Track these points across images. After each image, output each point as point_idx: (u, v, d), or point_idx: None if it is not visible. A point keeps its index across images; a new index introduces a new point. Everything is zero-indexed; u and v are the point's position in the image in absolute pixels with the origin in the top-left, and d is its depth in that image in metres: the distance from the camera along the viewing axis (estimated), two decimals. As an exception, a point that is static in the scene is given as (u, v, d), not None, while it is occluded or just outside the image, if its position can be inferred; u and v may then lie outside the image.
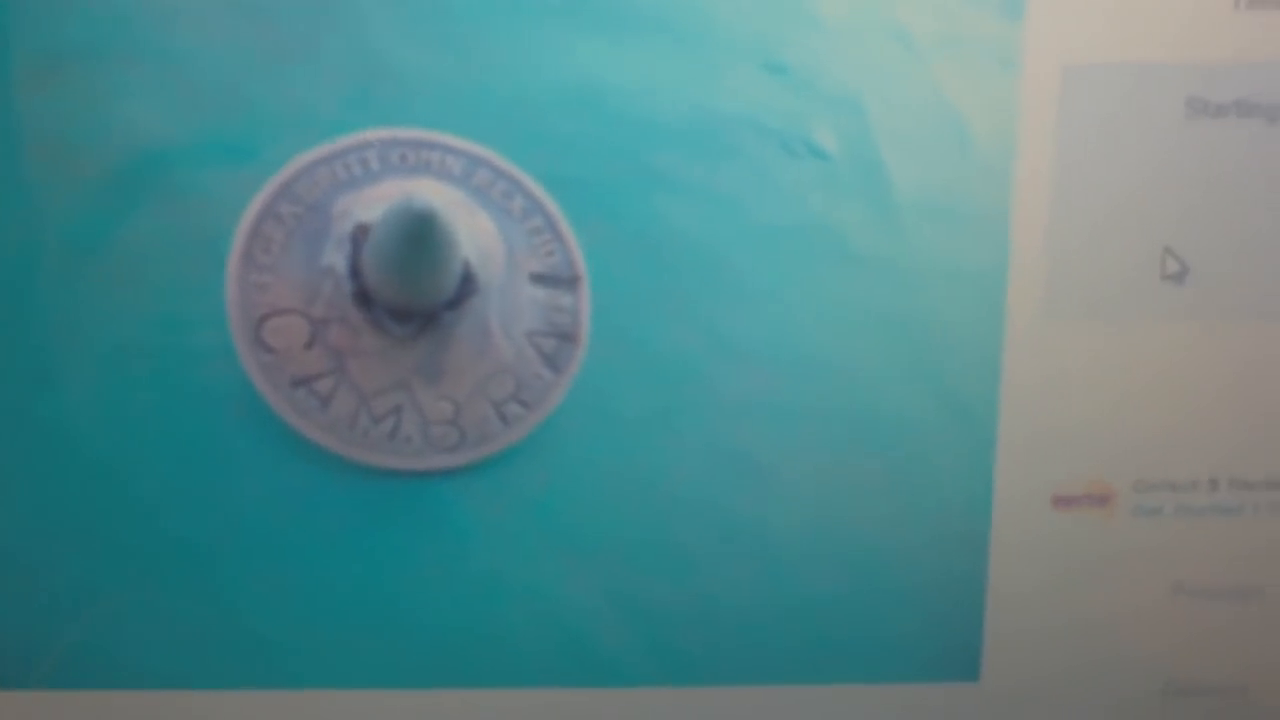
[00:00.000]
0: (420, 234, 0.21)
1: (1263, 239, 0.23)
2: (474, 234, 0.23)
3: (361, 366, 0.23)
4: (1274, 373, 0.24)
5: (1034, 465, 0.24)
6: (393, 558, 0.24)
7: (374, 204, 0.23)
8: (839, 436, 0.24)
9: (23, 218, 0.23)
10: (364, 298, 0.23)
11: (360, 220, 0.23)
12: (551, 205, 0.23)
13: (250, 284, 0.23)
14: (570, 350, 0.23)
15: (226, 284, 0.23)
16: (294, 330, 0.23)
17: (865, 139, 0.23)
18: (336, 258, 0.23)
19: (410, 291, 0.22)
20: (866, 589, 0.25)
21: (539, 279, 0.23)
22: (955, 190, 0.23)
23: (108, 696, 0.25)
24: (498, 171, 0.23)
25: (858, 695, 0.25)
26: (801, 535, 0.24)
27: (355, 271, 0.23)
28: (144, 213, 0.23)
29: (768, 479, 0.24)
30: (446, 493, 0.24)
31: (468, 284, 0.23)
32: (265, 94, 0.22)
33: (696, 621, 0.25)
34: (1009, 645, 0.25)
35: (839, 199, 0.23)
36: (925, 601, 0.25)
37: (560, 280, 0.23)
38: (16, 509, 0.24)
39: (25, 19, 0.22)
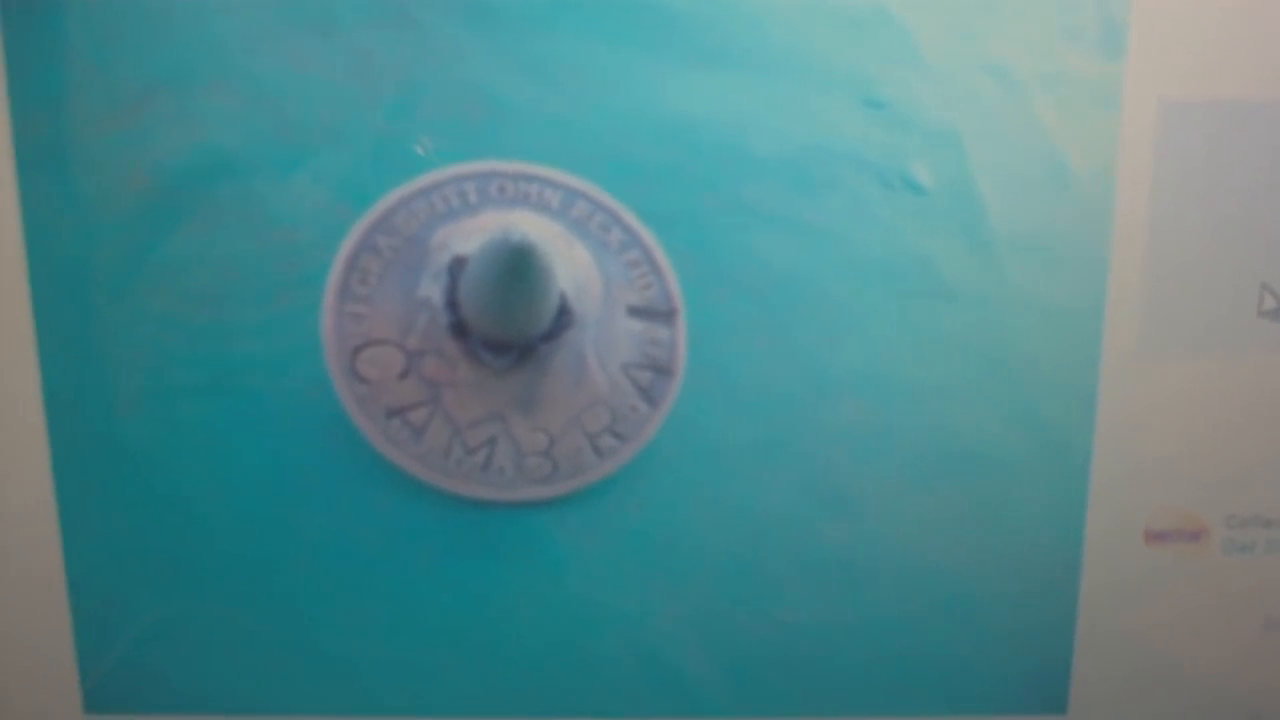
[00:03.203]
0: (517, 266, 0.21)
1: (1358, 274, 0.23)
2: (571, 266, 0.23)
3: (456, 398, 0.23)
4: (1368, 408, 0.24)
5: (1127, 500, 0.24)
6: (483, 588, 0.24)
7: (471, 236, 0.23)
8: (932, 469, 0.24)
9: (120, 248, 0.23)
10: (460, 329, 0.23)
11: (457, 252, 0.23)
12: (649, 238, 0.23)
13: (346, 315, 0.23)
14: (666, 383, 0.23)
15: (322, 315, 0.23)
16: (389, 361, 0.23)
17: (963, 174, 0.23)
18: (433, 289, 0.23)
19: (507, 324, 0.22)
20: (956, 621, 0.25)
21: (636, 312, 0.23)
22: (1052, 225, 0.23)
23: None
24: (595, 204, 0.23)
25: (945, 728, 0.25)
26: (892, 567, 0.24)
27: (452, 303, 0.23)
28: (238, 243, 0.23)
29: (859, 511, 0.24)
30: (538, 524, 0.24)
31: (564, 316, 0.23)
32: (363, 127, 0.23)
33: (786, 652, 0.25)
34: (1097, 679, 0.25)
35: (936, 233, 0.23)
36: (1014, 634, 0.25)
37: (657, 313, 0.23)
38: (109, 536, 0.24)
39: (117, 48, 0.22)
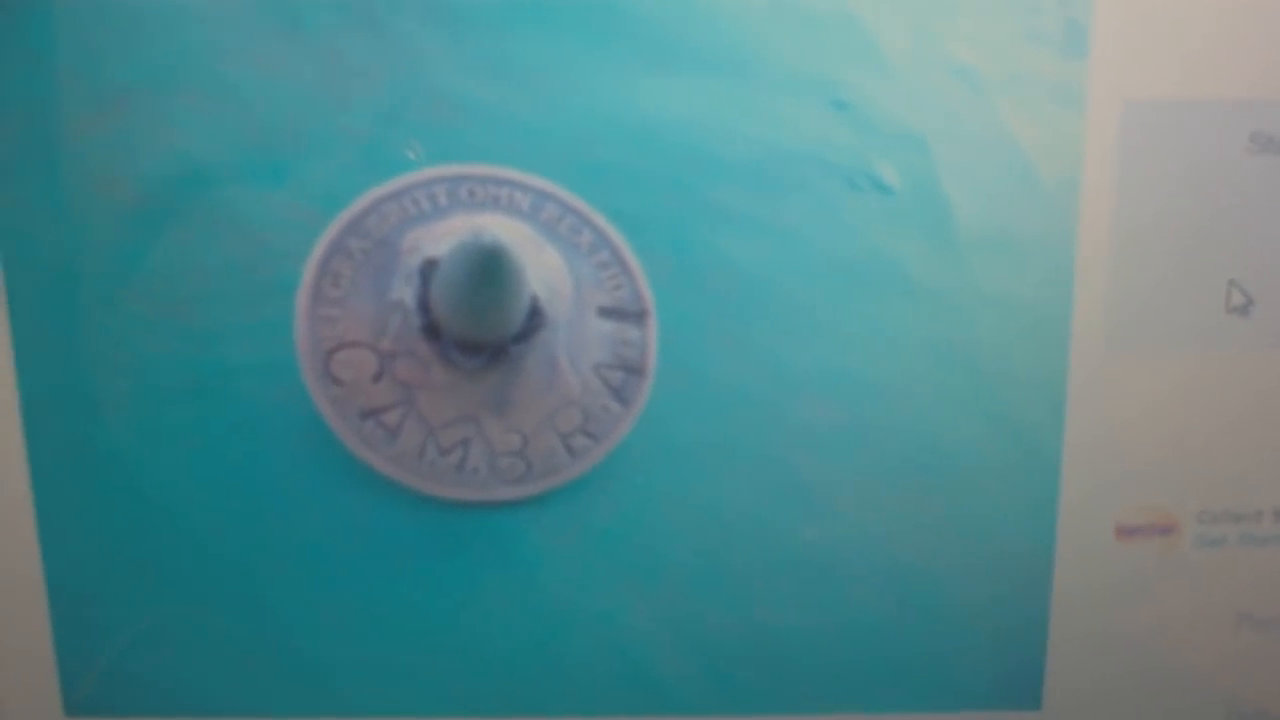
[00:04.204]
0: (488, 268, 0.22)
1: (1326, 271, 0.23)
2: (542, 268, 0.23)
3: (429, 399, 0.24)
4: (1337, 403, 0.24)
5: (1097, 495, 0.24)
6: (458, 588, 0.24)
7: (442, 239, 0.23)
8: (902, 467, 0.24)
9: (92, 252, 0.23)
10: (432, 331, 0.23)
11: (428, 255, 0.23)
12: (618, 239, 0.23)
13: (319, 317, 0.23)
14: (637, 383, 0.24)
15: (296, 317, 0.23)
16: (362, 363, 0.23)
17: (928, 174, 0.23)
18: (405, 292, 0.23)
19: (478, 325, 0.23)
20: (929, 618, 0.25)
21: (607, 313, 0.23)
22: (1019, 224, 0.23)
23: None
24: (565, 206, 0.23)
25: (919, 725, 0.25)
26: (864, 565, 0.25)
27: (424, 305, 0.23)
28: (212, 247, 0.23)
29: (831, 510, 0.24)
30: (512, 524, 0.24)
31: (535, 318, 0.23)
32: (334, 131, 0.23)
33: (759, 650, 0.25)
34: (1071, 674, 0.25)
35: (902, 233, 0.23)
36: (988, 630, 0.25)
37: (628, 314, 0.23)
38: (85, 538, 0.24)
39: (92, 53, 0.22)
